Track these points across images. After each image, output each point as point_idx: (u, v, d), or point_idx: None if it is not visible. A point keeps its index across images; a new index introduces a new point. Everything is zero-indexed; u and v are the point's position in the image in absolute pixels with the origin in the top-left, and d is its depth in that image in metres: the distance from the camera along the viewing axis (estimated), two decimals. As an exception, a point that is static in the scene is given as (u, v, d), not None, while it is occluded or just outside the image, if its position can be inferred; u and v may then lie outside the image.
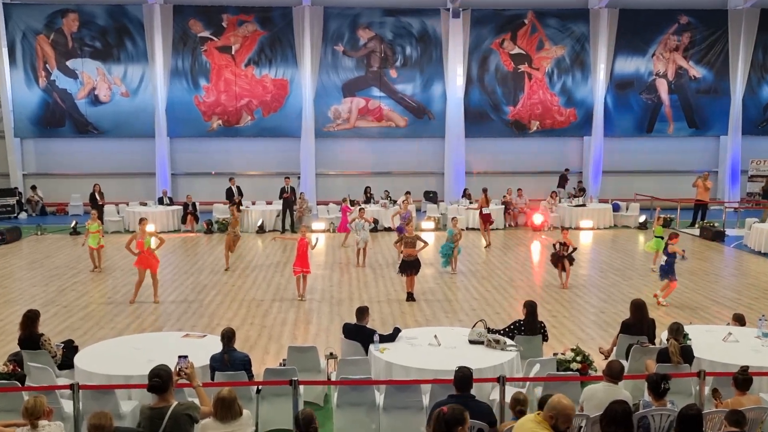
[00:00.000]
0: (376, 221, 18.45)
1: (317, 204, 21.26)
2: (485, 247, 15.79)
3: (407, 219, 11.67)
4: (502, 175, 23.38)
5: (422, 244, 11.03)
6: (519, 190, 20.39)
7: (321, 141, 22.66)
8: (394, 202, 19.71)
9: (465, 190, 21.55)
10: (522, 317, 7.19)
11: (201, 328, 9.07)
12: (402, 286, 11.73)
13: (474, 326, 6.96)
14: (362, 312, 7.10)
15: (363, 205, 18.25)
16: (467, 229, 18.59)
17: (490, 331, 6.94)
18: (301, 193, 19.77)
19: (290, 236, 14.12)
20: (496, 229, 18.71)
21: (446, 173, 22.90)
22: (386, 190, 21.13)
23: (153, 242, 10.57)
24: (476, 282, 12.17)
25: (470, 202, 19.86)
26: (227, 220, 16.24)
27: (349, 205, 17.00)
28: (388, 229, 18.56)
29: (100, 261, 12.86)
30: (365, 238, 13.59)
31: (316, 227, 18.35)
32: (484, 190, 17.12)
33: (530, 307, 7.29)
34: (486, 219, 16.31)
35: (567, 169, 22.76)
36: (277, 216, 18.89)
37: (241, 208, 18.20)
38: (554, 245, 11.92)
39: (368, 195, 20.56)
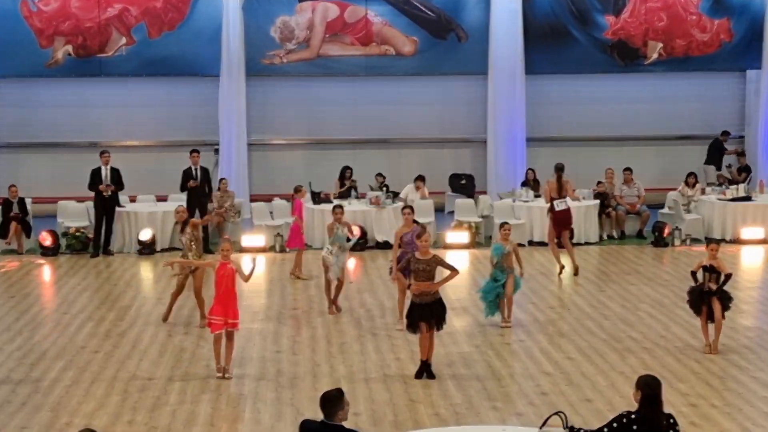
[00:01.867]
0: (364, 232, 18.94)
1: (251, 200, 22.13)
2: (560, 273, 16.48)
3: (417, 233, 11.68)
4: (595, 144, 24.00)
5: (447, 272, 11.12)
6: (627, 171, 20.69)
7: (257, 84, 23.28)
8: (395, 196, 20.27)
9: (528, 173, 21.84)
10: (634, 406, 7.09)
11: (37, 430, 9.71)
12: (410, 351, 11.91)
13: (544, 425, 7.41)
14: (333, 402, 6.92)
15: (337, 201, 18.96)
16: (530, 244, 19.09)
17: None
18: (221, 181, 20.47)
19: (201, 260, 13.85)
20: (586, 243, 19.35)
21: (491, 142, 23.51)
22: (380, 175, 21.62)
23: None
24: (546, 341, 12.61)
25: (536, 195, 20.29)
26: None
27: (305, 200, 17.39)
28: (385, 245, 18.86)
29: None
30: (340, 263, 14.02)
31: (249, 242, 18.91)
32: (558, 170, 17.08)
33: (649, 389, 7.09)
34: (561, 222, 16.64)
35: (724, 133, 23.29)
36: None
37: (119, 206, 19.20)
38: (695, 273, 11.92)
39: (347, 182, 21.15)
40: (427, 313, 10.85)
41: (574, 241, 18.86)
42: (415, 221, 13.59)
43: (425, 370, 10.96)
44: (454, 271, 11.00)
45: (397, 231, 13.71)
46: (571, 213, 16.90)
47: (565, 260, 16.55)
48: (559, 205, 16.52)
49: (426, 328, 10.85)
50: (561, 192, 16.57)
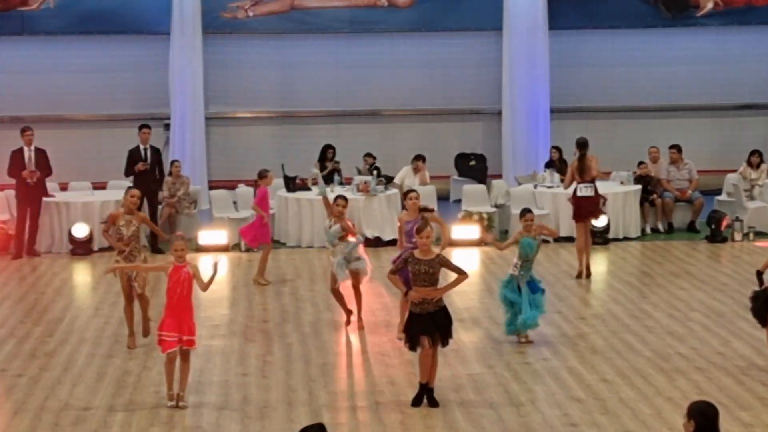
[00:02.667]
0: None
1: (210, 187, 22.23)
2: (578, 276, 16.65)
3: (417, 226, 11.56)
4: (636, 116, 24.33)
5: (454, 276, 11.12)
6: (675, 149, 20.80)
7: (217, 44, 23.59)
8: (388, 181, 20.36)
9: (553, 152, 22.00)
10: None
11: None
12: (408, 373, 11.85)
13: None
14: None
15: (318, 188, 18.89)
16: (555, 240, 18.80)
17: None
18: (173, 164, 20.54)
19: (150, 263, 13.91)
20: (625, 238, 19.51)
21: (507, 114, 23.64)
22: (370, 155, 21.72)
23: None
24: (576, 360, 12.53)
25: (563, 179, 20.16)
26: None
27: (269, 187, 17.19)
28: (376, 241, 18.95)
29: None
30: (360, 267, 13.77)
31: (208, 240, 18.97)
32: (581, 146, 17.00)
33: (703, 418, 7.09)
34: (585, 211, 16.65)
35: None
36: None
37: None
38: (760, 274, 11.87)
39: (329, 164, 21.29)
40: (428, 326, 10.81)
41: (610, 236, 19.00)
42: (424, 208, 13.38)
43: (426, 396, 10.90)
44: (462, 275, 10.96)
45: (400, 216, 13.58)
46: (600, 200, 16.89)
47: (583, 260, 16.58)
48: (583, 190, 16.55)
49: (428, 344, 10.81)
50: (585, 174, 16.57)
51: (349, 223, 13.90)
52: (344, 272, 13.51)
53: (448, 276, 11.13)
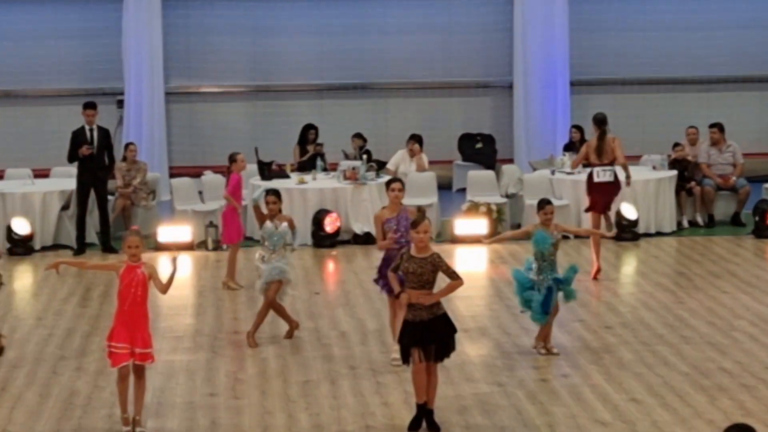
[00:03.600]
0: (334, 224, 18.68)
1: (171, 175, 22.36)
2: (595, 275, 16.78)
3: (413, 220, 11.47)
4: (670, 90, 24.41)
5: (455, 280, 11.13)
6: (717, 128, 20.80)
7: (179, 6, 23.81)
8: (380, 167, 20.57)
9: (573, 132, 22.21)
10: None
11: None
12: (404, 392, 11.89)
13: None
14: None
15: (297, 175, 19.21)
16: (577, 237, 18.93)
17: None
18: (128, 147, 20.63)
19: (98, 261, 13.98)
20: (658, 233, 19.51)
21: (520, 88, 23.91)
22: (359, 136, 21.81)
23: None
24: (601, 376, 12.57)
25: (586, 164, 20.11)
26: None
27: (242, 173, 17.26)
28: (366, 238, 19.01)
29: None
30: (278, 269, 13.82)
31: (169, 236, 19.12)
32: (600, 123, 17.06)
33: None
34: (601, 199, 16.84)
35: None
36: (64, 209, 19.48)
37: None
38: None
39: (310, 147, 21.39)
40: (421, 336, 10.82)
41: (640, 230, 19.03)
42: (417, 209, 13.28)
43: (425, 420, 10.90)
44: (455, 280, 10.97)
45: (377, 214, 13.44)
46: (620, 187, 16.92)
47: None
48: (601, 175, 16.58)
49: (418, 358, 10.83)
50: (604, 156, 16.62)
51: (291, 221, 14.08)
52: (262, 284, 13.69)
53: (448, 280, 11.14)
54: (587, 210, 17.00)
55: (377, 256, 13.98)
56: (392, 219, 12.95)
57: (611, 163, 16.55)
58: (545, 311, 12.90)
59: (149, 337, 10.92)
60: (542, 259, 12.94)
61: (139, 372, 10.87)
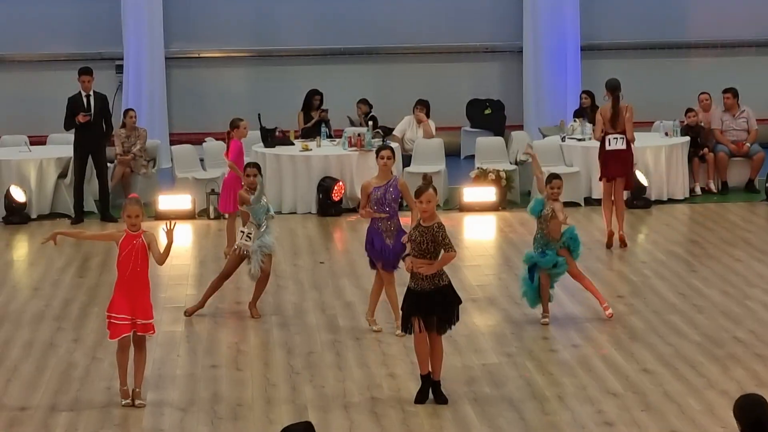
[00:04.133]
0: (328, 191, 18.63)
1: (171, 142, 22.50)
2: (609, 244, 16.80)
3: (417, 189, 11.38)
4: (682, 54, 24.56)
5: (448, 252, 11.10)
6: (730, 93, 20.93)
7: None
8: (386, 133, 20.60)
9: (584, 98, 22.18)
10: None
11: None
12: (410, 363, 11.85)
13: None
14: None
15: (301, 142, 18.85)
16: (587, 203, 19.55)
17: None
18: (127, 114, 20.60)
19: (96, 232, 14.20)
20: (670, 200, 19.68)
21: (529, 52, 24.09)
22: (364, 102, 21.95)
23: None
24: (613, 347, 12.64)
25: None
26: None
27: (243, 140, 17.25)
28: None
29: None
30: (267, 244, 13.88)
31: (169, 204, 19.13)
32: (613, 89, 17.03)
33: (751, 414, 7.26)
34: (614, 167, 16.93)
35: None
36: (61, 177, 19.59)
37: None
38: None
39: (314, 114, 21.33)
40: (422, 306, 10.89)
41: (652, 197, 19.03)
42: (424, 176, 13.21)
43: (432, 391, 10.95)
44: (448, 252, 10.97)
45: (365, 183, 13.32)
46: (632, 155, 16.93)
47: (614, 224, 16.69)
48: (613, 142, 16.60)
49: (420, 327, 10.90)
50: (617, 123, 16.63)
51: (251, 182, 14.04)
52: (257, 265, 13.68)
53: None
54: (601, 177, 16.98)
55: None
56: (380, 187, 13.00)
57: (624, 132, 16.57)
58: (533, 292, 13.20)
59: (150, 307, 10.95)
60: (543, 239, 13.15)
61: (140, 343, 10.92)
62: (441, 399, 10.86)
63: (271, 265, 13.85)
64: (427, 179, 11.76)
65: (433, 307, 10.89)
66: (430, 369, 10.96)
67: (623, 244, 16.47)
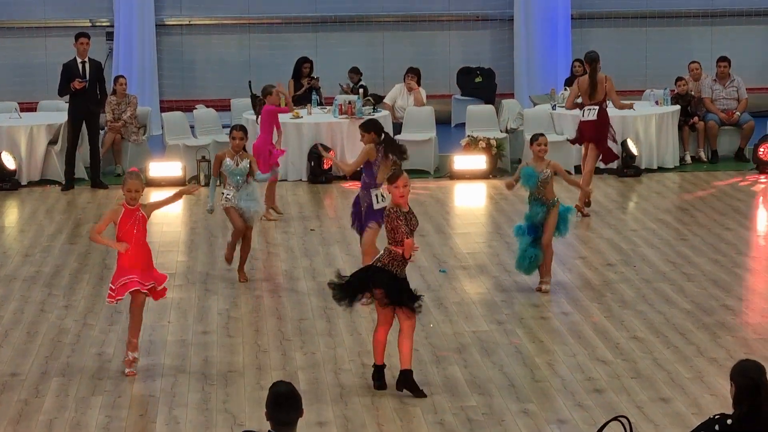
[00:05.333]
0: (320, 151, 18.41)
1: (162, 109, 22.55)
2: (582, 208, 16.68)
3: (389, 176, 11.24)
4: (673, 23, 24.50)
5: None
6: (722, 62, 20.93)
7: None
8: (377, 101, 20.60)
9: (576, 66, 21.85)
10: (730, 406, 7.25)
11: None
12: (394, 330, 11.34)
13: None
14: (287, 401, 7.08)
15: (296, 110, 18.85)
16: (578, 171, 18.97)
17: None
18: (117, 81, 20.60)
19: (96, 235, 13.30)
20: (660, 168, 19.69)
21: (520, 21, 24.19)
22: (355, 70, 22.00)
23: None
24: (603, 314, 12.65)
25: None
26: None
27: (280, 104, 17.45)
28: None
29: None
30: (254, 209, 13.97)
31: (160, 171, 19.21)
32: (591, 61, 17.02)
33: (746, 378, 7.24)
34: (584, 135, 16.93)
35: None
36: (51, 144, 19.68)
37: None
38: None
39: (305, 81, 21.35)
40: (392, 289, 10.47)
41: (642, 166, 19.05)
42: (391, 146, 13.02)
43: (404, 384, 10.47)
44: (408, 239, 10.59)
45: (367, 148, 13.16)
46: (607, 124, 16.81)
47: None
48: (587, 113, 16.63)
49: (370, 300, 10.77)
50: (594, 94, 16.61)
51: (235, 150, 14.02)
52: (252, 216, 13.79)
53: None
54: (573, 142, 17.32)
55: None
56: (376, 160, 13.06)
57: (600, 103, 16.61)
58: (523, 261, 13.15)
59: (159, 273, 11.12)
60: (532, 197, 13.07)
61: (137, 302, 10.90)
62: (418, 393, 10.38)
63: (252, 230, 13.88)
64: (397, 164, 11.73)
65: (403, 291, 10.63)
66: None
67: (582, 206, 16.37)
